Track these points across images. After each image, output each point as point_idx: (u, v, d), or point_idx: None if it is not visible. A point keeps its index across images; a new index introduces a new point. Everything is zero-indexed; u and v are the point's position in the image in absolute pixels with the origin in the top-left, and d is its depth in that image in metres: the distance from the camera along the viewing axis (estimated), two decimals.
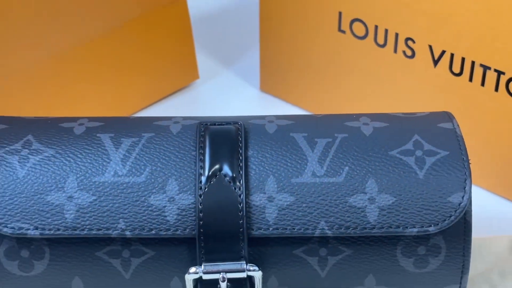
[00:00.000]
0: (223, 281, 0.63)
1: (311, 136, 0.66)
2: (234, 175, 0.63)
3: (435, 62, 0.81)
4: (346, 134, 0.66)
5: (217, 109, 0.91)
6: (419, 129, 0.67)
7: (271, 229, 0.63)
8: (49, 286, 0.65)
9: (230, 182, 0.63)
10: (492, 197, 0.84)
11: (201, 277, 0.63)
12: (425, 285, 0.66)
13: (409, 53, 0.82)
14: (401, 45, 0.82)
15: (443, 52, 0.80)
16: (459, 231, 0.64)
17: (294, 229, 0.63)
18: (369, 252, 0.65)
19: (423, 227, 0.63)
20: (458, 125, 0.67)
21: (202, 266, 0.63)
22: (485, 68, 0.78)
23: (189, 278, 0.63)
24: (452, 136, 0.66)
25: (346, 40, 0.86)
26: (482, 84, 0.79)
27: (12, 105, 0.81)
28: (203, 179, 0.63)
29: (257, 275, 0.63)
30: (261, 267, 0.64)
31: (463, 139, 0.66)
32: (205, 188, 0.63)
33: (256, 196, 0.64)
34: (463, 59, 0.79)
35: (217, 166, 0.64)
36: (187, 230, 0.63)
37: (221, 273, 0.63)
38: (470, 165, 0.65)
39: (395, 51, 0.83)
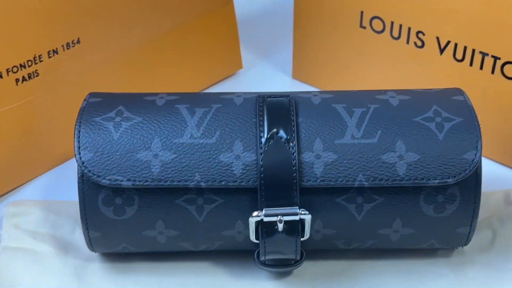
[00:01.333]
0: (280, 222, 0.63)
1: (349, 107, 0.66)
2: (288, 137, 0.63)
3: (441, 51, 0.80)
4: (377, 105, 0.66)
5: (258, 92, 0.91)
6: (437, 101, 0.67)
7: (318, 181, 0.63)
8: (137, 227, 0.65)
9: (285, 143, 0.63)
10: (487, 162, 0.83)
11: (262, 219, 0.63)
12: (442, 227, 0.66)
13: (419, 44, 0.81)
14: (413, 37, 0.82)
15: (448, 42, 0.79)
16: (471, 183, 0.64)
17: (337, 181, 0.63)
18: (397, 199, 0.65)
19: (443, 178, 0.63)
20: (468, 97, 0.67)
21: (264, 210, 0.63)
22: (484, 54, 0.77)
23: (252, 221, 0.63)
24: (465, 106, 0.66)
25: (367, 34, 0.85)
26: (481, 68, 0.78)
27: (104, 84, 0.81)
28: (263, 140, 0.63)
29: (307, 218, 0.63)
30: (310, 212, 0.64)
31: (473, 108, 0.66)
32: (265, 148, 0.63)
33: (306, 154, 0.63)
34: (465, 48, 0.78)
35: (274, 130, 0.64)
36: (250, 181, 0.63)
37: (279, 216, 0.63)
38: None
39: (408, 42, 0.82)
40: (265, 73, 0.97)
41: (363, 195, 0.65)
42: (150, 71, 0.87)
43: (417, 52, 0.83)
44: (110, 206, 0.64)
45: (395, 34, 0.83)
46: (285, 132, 0.64)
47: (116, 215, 0.65)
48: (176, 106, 0.66)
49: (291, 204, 0.64)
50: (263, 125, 0.64)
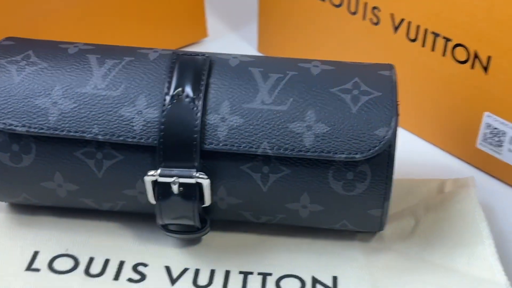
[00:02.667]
0: (175, 184, 0.60)
1: (266, 71, 0.63)
2: (194, 97, 0.61)
3: (395, 29, 0.77)
4: (296, 72, 0.63)
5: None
6: (361, 73, 0.63)
7: (221, 144, 0.60)
8: (35, 177, 0.63)
9: (190, 102, 0.60)
10: (431, 148, 0.79)
11: (157, 180, 0.60)
12: (353, 207, 0.63)
13: (375, 20, 0.78)
14: (369, 13, 0.78)
15: (402, 20, 0.76)
16: (383, 162, 0.61)
17: (240, 146, 0.60)
18: (305, 173, 0.61)
19: (350, 154, 0.60)
20: (395, 73, 0.63)
21: (159, 170, 0.60)
22: (435, 35, 0.73)
23: (148, 180, 0.61)
24: (387, 81, 0.62)
25: (326, 8, 0.82)
26: (433, 49, 0.74)
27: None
28: (168, 97, 0.61)
29: (205, 182, 0.61)
30: (212, 178, 0.62)
31: (396, 84, 0.62)
32: (169, 105, 0.60)
33: (211, 116, 0.61)
34: (418, 27, 0.74)
35: (180, 88, 0.61)
36: (150, 139, 0.60)
37: (174, 177, 0.60)
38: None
39: (364, 18, 0.79)
40: (230, 44, 0.95)
41: (269, 165, 0.62)
42: (107, 29, 0.84)
43: (372, 29, 0.79)
44: (7, 152, 0.62)
45: (352, 8, 0.80)
46: (192, 91, 0.61)
47: (13, 162, 0.63)
48: (86, 55, 0.64)
49: (190, 167, 0.61)
50: (170, 82, 0.62)
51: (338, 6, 0.81)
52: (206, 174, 0.61)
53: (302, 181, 0.62)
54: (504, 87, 0.71)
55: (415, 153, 0.78)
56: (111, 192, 0.64)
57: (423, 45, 0.75)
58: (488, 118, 0.73)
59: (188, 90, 0.61)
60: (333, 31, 0.83)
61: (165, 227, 0.65)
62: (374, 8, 0.77)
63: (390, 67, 0.64)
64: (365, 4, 0.78)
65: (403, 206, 0.70)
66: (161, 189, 0.61)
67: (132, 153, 0.62)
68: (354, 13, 0.79)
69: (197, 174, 0.60)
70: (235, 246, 0.67)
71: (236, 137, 0.61)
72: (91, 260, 0.65)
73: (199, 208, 0.63)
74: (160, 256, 0.65)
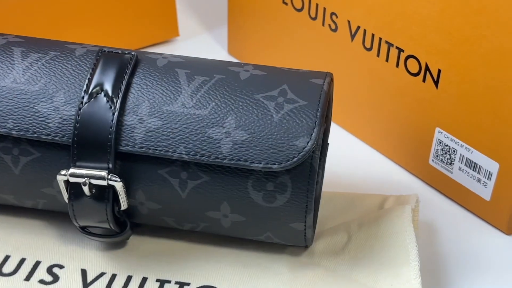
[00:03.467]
0: (85, 185, 0.58)
1: (192, 73, 0.61)
2: (113, 96, 0.59)
3: (352, 37, 0.74)
4: (224, 75, 0.60)
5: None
6: (291, 81, 0.60)
7: (137, 147, 0.58)
8: None
9: (108, 101, 0.58)
10: (386, 161, 0.76)
11: (68, 179, 0.58)
12: (274, 219, 0.60)
13: (333, 26, 0.75)
14: (328, 19, 0.75)
15: (358, 27, 0.73)
16: (304, 174, 0.58)
17: (156, 150, 0.58)
18: (224, 181, 0.59)
19: (268, 163, 0.57)
20: (329, 82, 0.60)
21: (70, 169, 0.58)
22: (389, 45, 0.70)
23: (60, 179, 0.59)
24: (317, 90, 0.59)
25: (288, 11, 0.79)
26: (387, 59, 0.71)
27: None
28: (86, 95, 0.59)
29: (118, 185, 0.58)
30: (129, 181, 0.60)
31: (326, 94, 0.59)
32: (85, 103, 0.58)
33: (129, 117, 0.59)
34: (372, 35, 0.71)
35: (99, 87, 0.59)
36: (65, 137, 0.58)
37: (85, 178, 0.58)
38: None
39: (323, 24, 0.76)
40: (201, 45, 0.93)
41: (187, 171, 0.59)
42: (73, 25, 0.83)
43: (331, 36, 0.76)
44: None
45: (313, 14, 0.77)
46: (112, 90, 0.59)
47: None
48: (11, 48, 0.62)
49: (103, 167, 0.59)
50: (91, 80, 0.60)
51: (299, 10, 0.78)
52: (122, 177, 0.59)
53: (221, 189, 0.59)
54: (454, 102, 0.67)
55: (368, 166, 0.75)
56: (30, 190, 0.62)
57: (378, 55, 0.72)
58: (440, 135, 0.70)
59: (108, 88, 0.59)
60: (296, 35, 0.80)
61: (85, 229, 0.63)
62: (333, 14, 0.75)
63: (325, 75, 0.61)
64: (324, 9, 0.75)
65: (341, 221, 0.67)
66: (73, 190, 0.59)
67: (48, 150, 0.60)
68: (314, 18, 0.77)
69: (109, 176, 0.58)
70: (159, 253, 0.65)
71: (153, 140, 0.59)
72: (6, 258, 0.63)
73: (118, 211, 0.61)
74: (79, 258, 0.64)
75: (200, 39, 0.93)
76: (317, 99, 0.59)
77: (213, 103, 0.59)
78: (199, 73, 0.61)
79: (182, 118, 0.59)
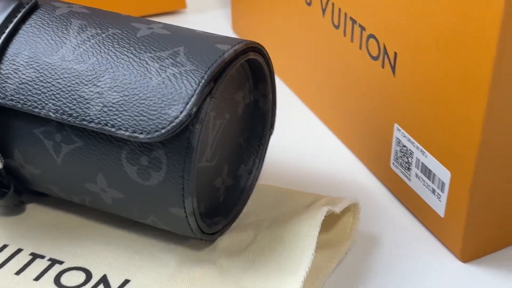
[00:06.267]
0: None
1: (86, 25, 0.54)
2: None
3: (323, 11, 0.64)
4: (119, 31, 0.53)
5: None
6: (191, 43, 0.52)
7: (7, 99, 0.52)
8: None
9: None
10: (349, 156, 0.66)
11: None
12: (152, 200, 0.52)
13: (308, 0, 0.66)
14: None
15: (327, 1, 0.63)
16: (180, 150, 0.50)
17: (25, 104, 0.52)
18: (99, 149, 0.52)
19: (135, 132, 0.49)
20: (236, 50, 0.52)
21: None
22: (353, 21, 0.60)
23: None
24: (214, 55, 0.51)
25: None
26: (352, 39, 0.61)
27: None
28: None
29: None
30: (5, 138, 0.54)
31: (224, 61, 0.51)
32: None
33: (6, 65, 0.53)
34: (339, 11, 0.62)
35: None
36: None
37: None
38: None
39: None
40: (208, 20, 0.85)
41: (62, 133, 0.53)
42: None
43: (306, 10, 0.67)
44: None
45: None
46: None
47: None
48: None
49: None
50: None
51: None
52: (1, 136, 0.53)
53: (95, 158, 0.52)
54: (409, 93, 0.57)
55: (329, 161, 0.65)
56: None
57: (344, 34, 0.62)
58: (398, 133, 0.59)
59: None
60: (282, 10, 0.71)
61: None
62: None
63: (237, 42, 0.52)
64: None
65: (260, 217, 0.58)
66: None
67: None
68: None
69: None
70: (50, 226, 0.59)
71: (24, 93, 0.52)
72: None
73: None
74: None
75: (208, 14, 0.86)
76: (207, 64, 0.50)
77: (94, 59, 0.52)
78: (93, 26, 0.54)
79: (57, 72, 0.52)
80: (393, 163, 0.61)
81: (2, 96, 0.53)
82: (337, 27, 0.63)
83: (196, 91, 0.49)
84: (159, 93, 0.50)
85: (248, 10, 0.77)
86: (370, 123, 0.62)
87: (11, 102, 0.52)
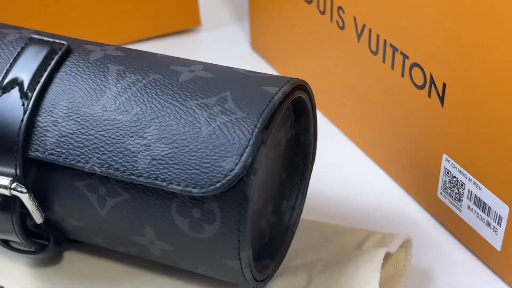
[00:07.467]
0: None
1: (125, 71, 0.51)
2: (27, 91, 0.50)
3: (359, 37, 0.62)
4: (160, 75, 0.51)
5: (206, 57, 0.74)
6: (237, 87, 0.50)
7: (47, 153, 0.50)
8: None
9: (21, 97, 0.50)
10: (393, 186, 0.64)
11: None
12: (205, 253, 0.50)
13: (340, 23, 0.64)
14: (335, 15, 0.64)
15: (364, 26, 0.61)
16: (235, 203, 0.47)
17: (67, 158, 0.49)
18: (146, 202, 0.49)
19: (188, 186, 0.47)
20: (285, 92, 0.49)
21: None
22: (394, 49, 0.58)
23: None
24: (265, 100, 0.49)
25: (302, 6, 0.68)
26: (392, 67, 0.59)
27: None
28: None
29: (23, 196, 0.50)
30: (46, 192, 0.51)
31: (274, 105, 0.48)
32: None
33: (43, 117, 0.50)
34: (378, 37, 0.60)
35: (14, 79, 0.51)
36: None
37: None
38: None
39: (331, 20, 0.65)
40: (224, 37, 0.83)
41: (106, 186, 0.50)
42: (92, 8, 0.78)
43: (338, 34, 0.65)
44: None
45: (321, 7, 0.66)
46: (28, 84, 0.51)
47: None
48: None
49: (9, 174, 0.51)
50: (8, 71, 0.52)
51: (309, 2, 0.67)
52: (38, 187, 0.51)
53: (143, 211, 0.50)
54: (460, 125, 0.55)
55: (372, 191, 0.63)
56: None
57: (384, 61, 0.60)
58: (447, 163, 0.57)
59: (24, 82, 0.51)
60: (310, 32, 0.69)
61: (5, 242, 0.55)
62: (339, 8, 0.63)
63: (285, 82, 0.50)
64: (331, 2, 0.64)
65: (310, 258, 0.56)
66: None
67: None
68: (323, 13, 0.66)
69: (13, 185, 0.50)
70: (91, 274, 0.56)
71: (65, 147, 0.50)
72: None
73: (36, 224, 0.53)
74: (3, 273, 0.56)
75: (224, 31, 0.84)
76: (259, 111, 0.48)
77: (138, 108, 0.49)
78: (132, 71, 0.51)
79: (100, 123, 0.50)
80: (441, 193, 0.59)
81: (41, 150, 0.50)
82: (375, 53, 0.61)
83: (251, 141, 0.47)
84: (211, 144, 0.47)
85: (269, 27, 0.75)
86: (415, 152, 0.61)
87: (51, 156, 0.50)
